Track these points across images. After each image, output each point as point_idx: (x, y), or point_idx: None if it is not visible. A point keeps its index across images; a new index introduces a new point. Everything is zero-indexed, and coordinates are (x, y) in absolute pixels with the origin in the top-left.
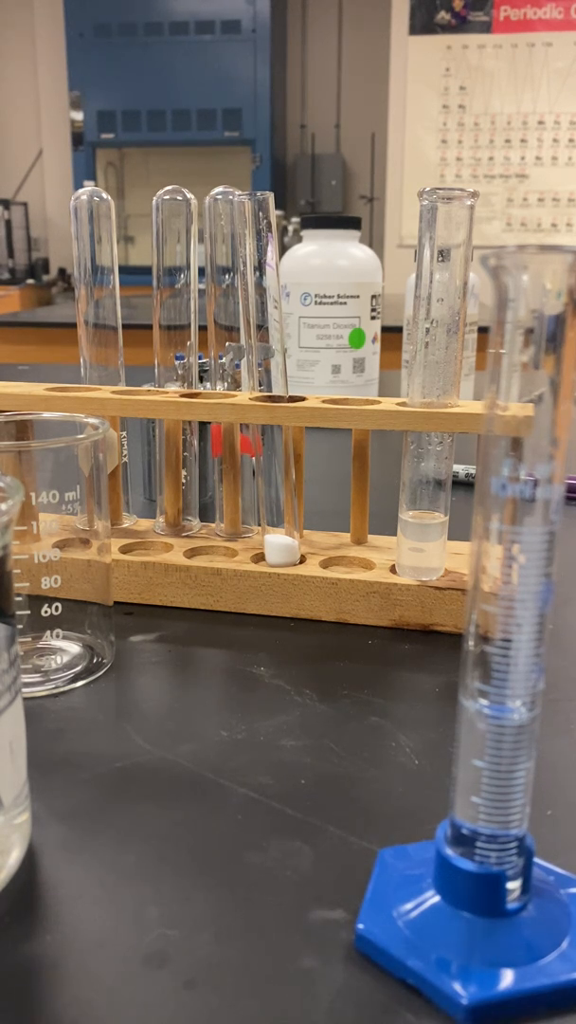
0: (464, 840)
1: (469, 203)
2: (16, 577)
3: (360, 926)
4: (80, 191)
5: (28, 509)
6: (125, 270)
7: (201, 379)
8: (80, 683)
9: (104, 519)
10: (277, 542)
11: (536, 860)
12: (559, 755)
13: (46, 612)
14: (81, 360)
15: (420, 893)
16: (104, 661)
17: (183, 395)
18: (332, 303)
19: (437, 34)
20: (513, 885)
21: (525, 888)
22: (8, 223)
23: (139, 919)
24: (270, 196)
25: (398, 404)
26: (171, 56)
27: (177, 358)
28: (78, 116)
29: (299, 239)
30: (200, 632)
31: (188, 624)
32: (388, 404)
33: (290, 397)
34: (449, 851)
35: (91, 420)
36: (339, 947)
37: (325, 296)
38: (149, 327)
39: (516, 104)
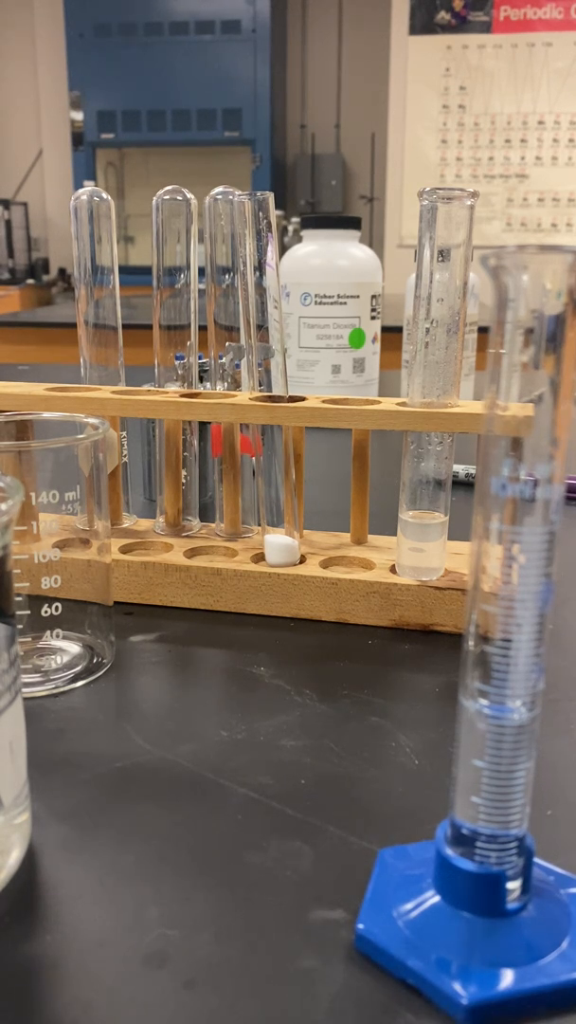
0: (464, 840)
1: (469, 203)
2: (16, 577)
3: (360, 926)
4: (80, 191)
5: (28, 509)
6: (125, 270)
7: (201, 379)
8: (80, 683)
9: (104, 519)
10: (277, 542)
11: (536, 860)
12: (559, 755)
13: (46, 612)
14: (81, 360)
15: (420, 893)
16: (104, 661)
17: (183, 395)
18: (332, 303)
19: (437, 34)
20: (513, 885)
21: (525, 888)
22: (8, 223)
23: (139, 919)
24: (270, 196)
25: (398, 404)
26: (171, 56)
27: (177, 358)
28: (78, 116)
29: (299, 239)
30: (200, 632)
31: (188, 624)
32: (388, 404)
33: (290, 397)
34: (449, 851)
35: (91, 420)
36: (339, 947)
37: (325, 296)
38: (149, 327)
39: (516, 104)
